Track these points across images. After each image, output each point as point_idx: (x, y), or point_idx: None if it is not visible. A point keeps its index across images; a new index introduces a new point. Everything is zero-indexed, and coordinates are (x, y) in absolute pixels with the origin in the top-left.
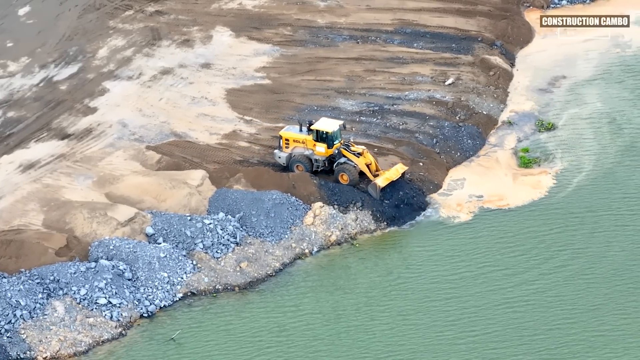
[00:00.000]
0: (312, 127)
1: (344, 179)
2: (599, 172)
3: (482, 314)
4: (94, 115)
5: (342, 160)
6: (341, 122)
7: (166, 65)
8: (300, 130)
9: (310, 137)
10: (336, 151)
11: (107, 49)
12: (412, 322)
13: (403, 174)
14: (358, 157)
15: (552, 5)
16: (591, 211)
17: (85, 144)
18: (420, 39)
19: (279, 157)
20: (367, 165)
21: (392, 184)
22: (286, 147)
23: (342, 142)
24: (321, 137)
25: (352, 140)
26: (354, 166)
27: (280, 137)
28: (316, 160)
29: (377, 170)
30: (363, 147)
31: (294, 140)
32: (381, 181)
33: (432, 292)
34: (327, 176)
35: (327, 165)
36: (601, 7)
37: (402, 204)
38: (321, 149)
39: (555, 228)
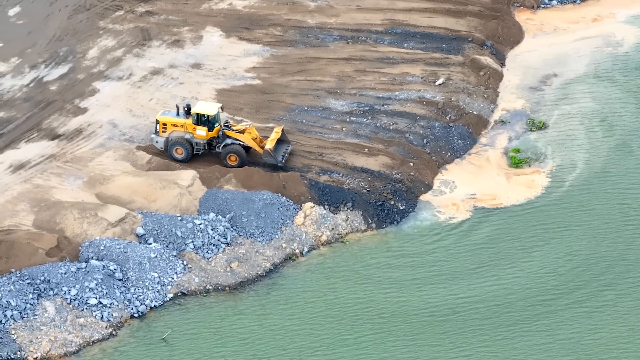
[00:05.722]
0: (192, 111)
1: (232, 159)
2: (592, 171)
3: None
4: (84, 115)
5: (229, 141)
6: (220, 104)
7: (156, 65)
8: (178, 114)
9: (189, 121)
10: (221, 133)
11: (98, 50)
12: (405, 320)
13: (282, 131)
14: (243, 134)
15: (542, 6)
16: (587, 209)
17: (75, 144)
18: (410, 39)
19: (157, 142)
20: (254, 140)
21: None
22: (163, 132)
23: (221, 124)
24: (201, 120)
25: (231, 121)
26: (240, 144)
27: (157, 122)
28: (197, 143)
29: (261, 142)
30: (248, 123)
31: (172, 125)
32: (268, 144)
33: (426, 290)
34: (207, 159)
35: (206, 148)
36: (591, 7)
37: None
38: (202, 132)
39: (555, 226)
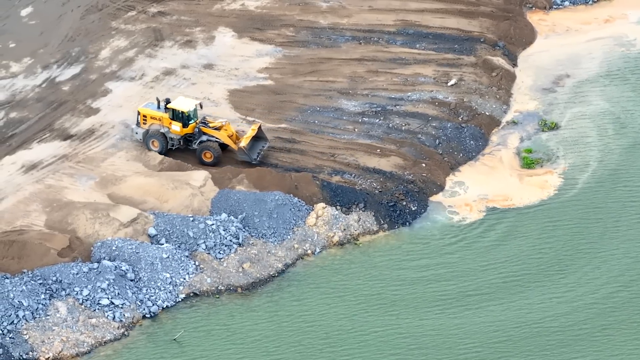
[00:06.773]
0: (168, 106)
1: (207, 156)
2: (605, 170)
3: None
4: (96, 116)
5: (204, 138)
6: (198, 101)
7: (169, 66)
8: (158, 107)
9: (166, 115)
10: (197, 130)
11: (110, 50)
12: (418, 320)
13: (259, 128)
14: (219, 131)
15: (554, 7)
16: (600, 208)
17: (87, 144)
18: (422, 39)
19: (136, 133)
20: (229, 137)
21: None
22: (144, 124)
23: (197, 122)
24: (177, 116)
25: (208, 118)
26: (216, 141)
27: (138, 113)
28: (171, 138)
29: (238, 140)
30: (224, 120)
31: (151, 117)
32: (243, 142)
33: (438, 291)
34: (182, 154)
35: (182, 143)
36: (604, 8)
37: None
38: (176, 127)
39: (568, 227)
